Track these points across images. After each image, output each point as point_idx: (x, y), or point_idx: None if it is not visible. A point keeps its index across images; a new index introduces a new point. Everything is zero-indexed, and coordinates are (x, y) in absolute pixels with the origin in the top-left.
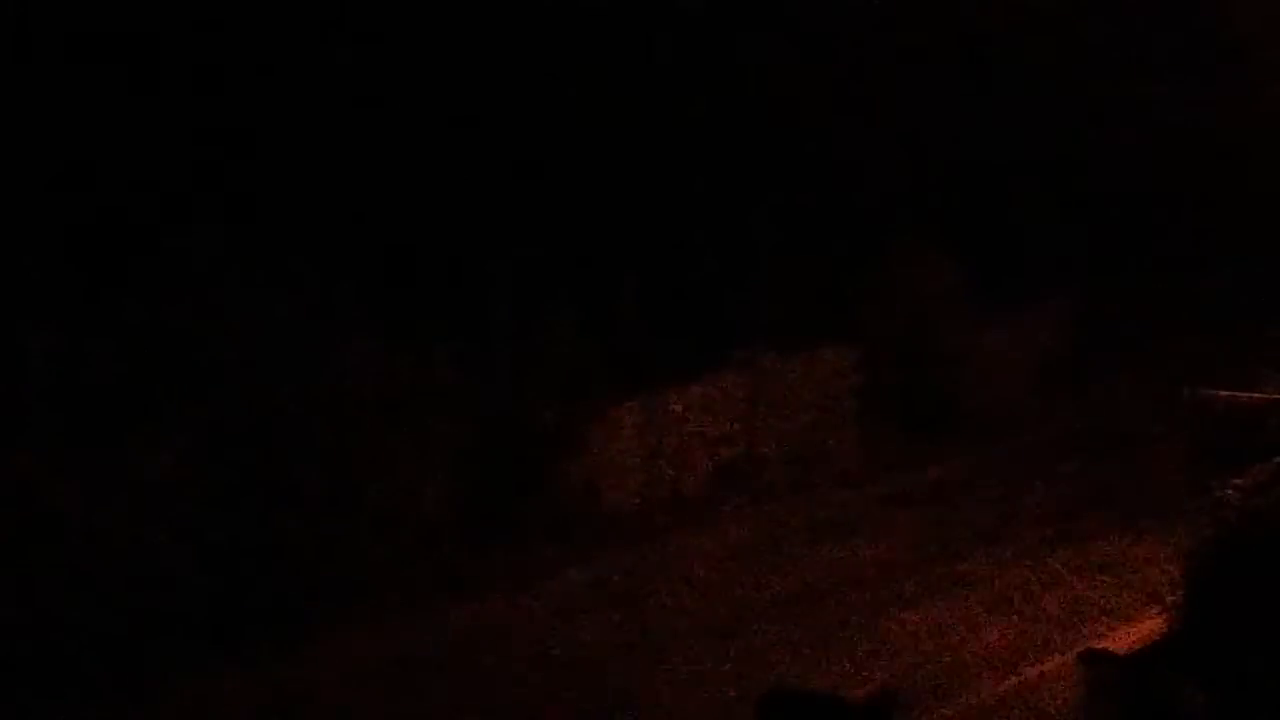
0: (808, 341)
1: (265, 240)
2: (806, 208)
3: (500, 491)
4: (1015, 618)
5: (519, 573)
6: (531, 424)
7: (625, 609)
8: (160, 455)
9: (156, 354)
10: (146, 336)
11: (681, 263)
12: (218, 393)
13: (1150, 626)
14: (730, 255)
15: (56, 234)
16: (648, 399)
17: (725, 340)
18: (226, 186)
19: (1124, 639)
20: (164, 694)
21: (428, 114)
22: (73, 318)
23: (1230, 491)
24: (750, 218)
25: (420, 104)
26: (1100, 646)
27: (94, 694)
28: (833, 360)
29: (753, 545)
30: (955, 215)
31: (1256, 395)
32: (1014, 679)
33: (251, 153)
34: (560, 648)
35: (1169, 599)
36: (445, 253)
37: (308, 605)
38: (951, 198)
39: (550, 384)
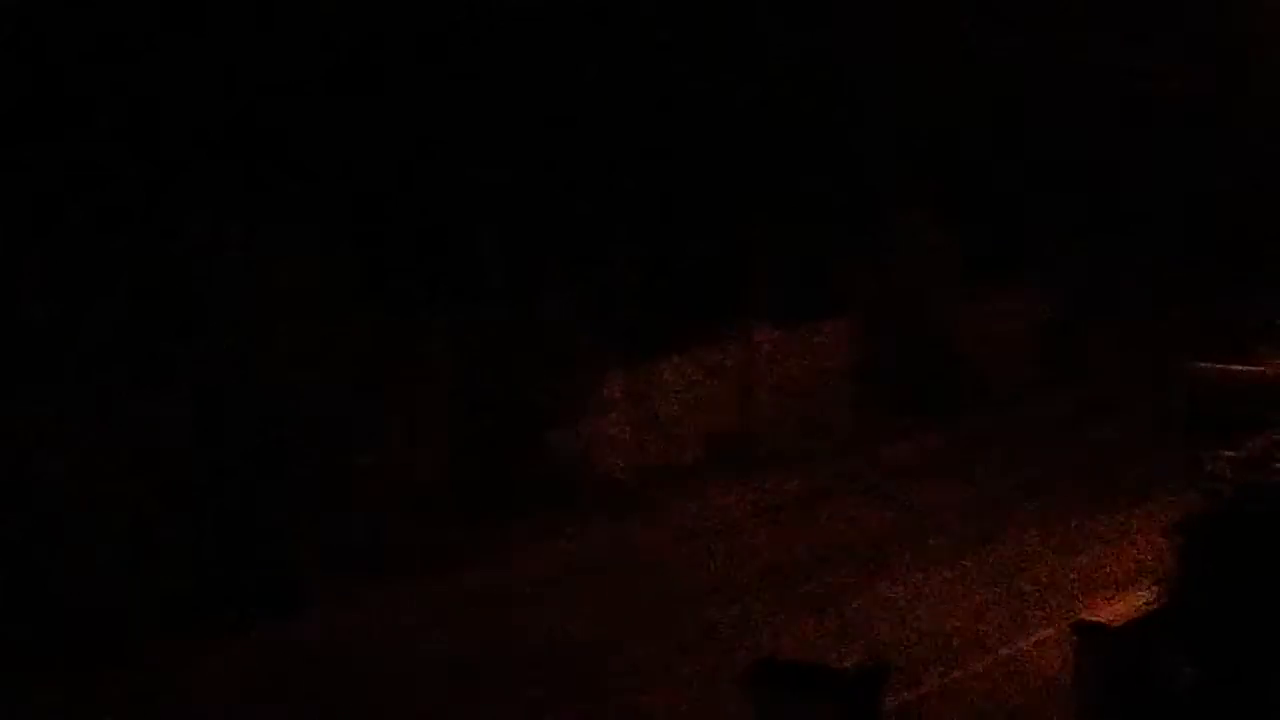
0: (803, 314)
1: (262, 210)
2: (804, 183)
3: (492, 461)
4: (1008, 589)
5: (510, 542)
6: (524, 394)
7: (616, 578)
8: (153, 423)
9: (152, 321)
10: (142, 302)
11: (677, 236)
12: (211, 360)
13: (1142, 599)
14: (727, 229)
15: (55, 199)
16: (641, 370)
17: (720, 313)
18: (226, 156)
19: (1116, 611)
20: (154, 662)
21: (425, 88)
22: (70, 285)
23: (1223, 464)
24: (747, 193)
25: (417, 78)
26: (1092, 618)
27: (83, 662)
28: (828, 333)
29: (745, 516)
30: (954, 190)
31: (1252, 370)
32: (1006, 650)
33: (250, 124)
34: (551, 616)
35: (1161, 571)
36: (441, 225)
37: (299, 575)
38: (950, 173)
39: (543, 352)
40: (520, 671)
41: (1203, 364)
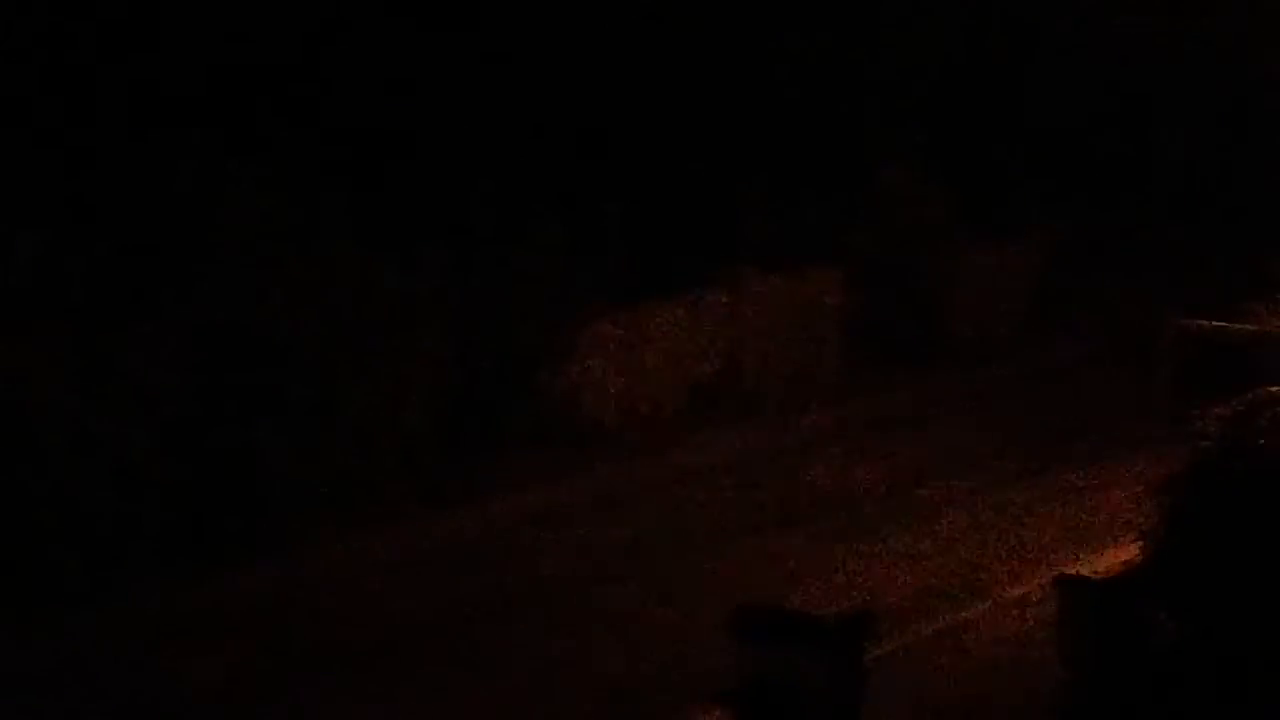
0: (793, 262)
1: (254, 146)
2: (796, 129)
3: (481, 404)
4: (992, 542)
5: (498, 485)
6: (514, 337)
7: (602, 524)
8: (143, 359)
9: (143, 256)
10: (134, 239)
11: (669, 180)
12: (202, 298)
13: (1126, 554)
14: (718, 174)
15: (48, 132)
16: (630, 315)
17: (710, 259)
18: (218, 91)
19: (1099, 565)
20: (138, 597)
21: (420, 31)
22: (62, 217)
23: (1210, 422)
24: (739, 138)
25: (414, 21)
26: (1075, 572)
27: (68, 597)
28: (817, 282)
29: (732, 464)
30: (946, 140)
31: (1240, 327)
32: (989, 602)
33: (247, 63)
34: (537, 562)
35: (1146, 527)
36: (432, 164)
37: (287, 513)
38: (943, 122)
39: (533, 297)
40: (501, 612)
41: (1194, 321)
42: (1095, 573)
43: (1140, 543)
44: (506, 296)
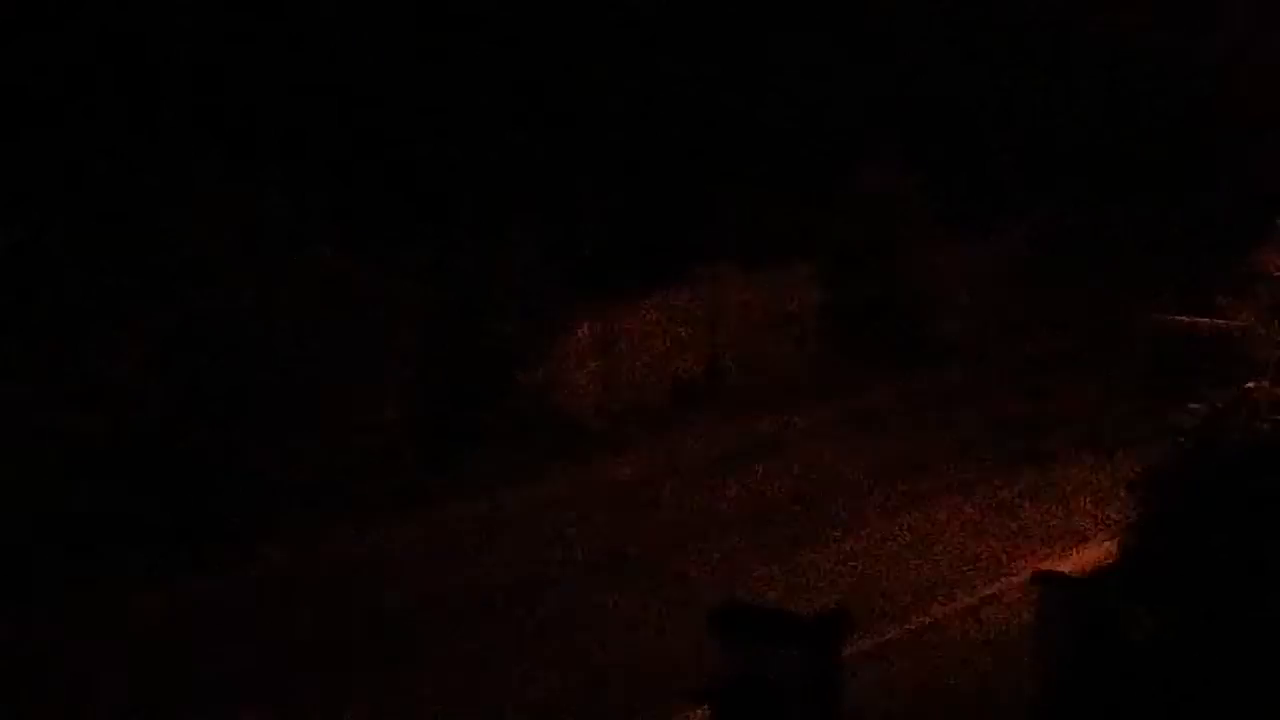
0: (771, 258)
1: (231, 145)
2: (773, 124)
3: (459, 403)
4: (970, 538)
5: (476, 484)
6: (491, 335)
7: (582, 522)
8: (120, 360)
9: (118, 258)
10: (108, 240)
11: (647, 178)
12: (179, 297)
13: (1103, 550)
14: (697, 172)
15: (18, 129)
16: (608, 312)
17: (687, 255)
18: (195, 91)
19: (1076, 562)
20: (118, 600)
21: (399, 30)
22: (35, 216)
23: (1187, 418)
24: (718, 135)
25: (392, 21)
26: (1052, 568)
27: (47, 599)
28: (796, 278)
29: (712, 462)
30: (923, 135)
31: (1217, 322)
32: (967, 599)
33: (219, 61)
34: (517, 560)
35: (1123, 523)
36: (409, 163)
37: (265, 512)
38: (920, 118)
39: (511, 295)
40: (481, 612)
41: (1167, 316)
42: (1073, 569)
43: (1118, 538)
44: (484, 295)
